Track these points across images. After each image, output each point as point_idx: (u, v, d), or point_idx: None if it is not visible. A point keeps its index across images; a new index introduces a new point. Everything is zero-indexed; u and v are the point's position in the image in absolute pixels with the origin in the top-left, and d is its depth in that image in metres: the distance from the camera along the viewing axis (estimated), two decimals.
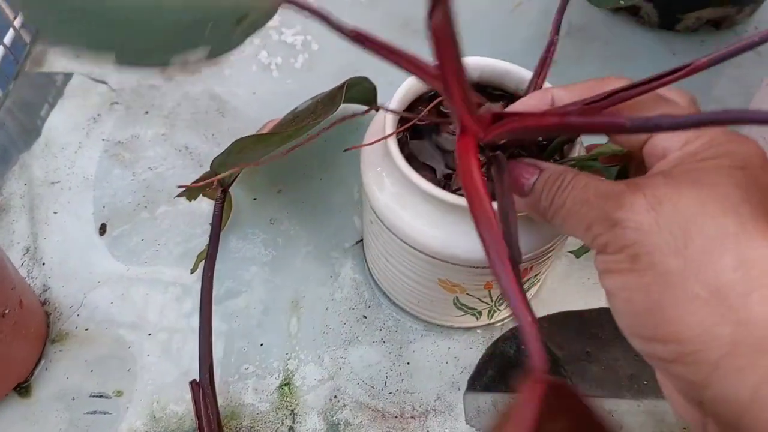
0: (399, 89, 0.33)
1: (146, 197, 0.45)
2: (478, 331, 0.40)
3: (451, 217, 0.30)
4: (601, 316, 0.40)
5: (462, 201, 0.29)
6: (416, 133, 0.34)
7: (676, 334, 0.19)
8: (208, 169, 0.41)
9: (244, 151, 0.34)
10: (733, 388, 0.18)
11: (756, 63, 0.53)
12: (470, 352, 0.39)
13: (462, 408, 0.37)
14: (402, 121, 0.33)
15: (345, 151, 0.35)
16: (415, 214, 0.31)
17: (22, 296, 0.35)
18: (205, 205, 0.44)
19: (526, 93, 0.31)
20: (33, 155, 0.48)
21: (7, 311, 0.33)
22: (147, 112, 0.50)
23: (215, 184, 0.37)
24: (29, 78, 0.53)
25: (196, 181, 0.38)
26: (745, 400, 0.18)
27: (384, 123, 0.32)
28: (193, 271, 0.42)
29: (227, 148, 0.34)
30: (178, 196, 0.39)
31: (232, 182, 0.38)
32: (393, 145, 0.31)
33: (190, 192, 0.39)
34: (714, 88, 0.51)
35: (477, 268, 0.31)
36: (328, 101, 0.39)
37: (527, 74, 0.33)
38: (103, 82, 0.52)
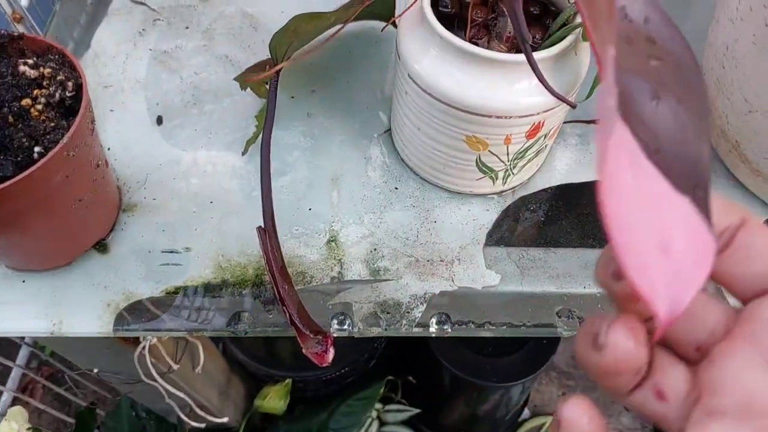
0: None
1: (195, 96, 0.51)
2: (494, 197, 0.47)
3: (482, 72, 0.37)
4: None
5: (490, 54, 0.36)
6: (444, 24, 0.41)
7: None
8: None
9: (298, 29, 0.40)
10: None
11: None
12: (487, 214, 0.46)
13: (482, 257, 0.44)
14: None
15: (382, 30, 0.41)
16: (450, 73, 0.38)
17: (106, 157, 0.41)
18: (246, 103, 0.50)
19: None
20: (85, 64, 0.53)
21: (99, 162, 0.39)
22: (187, 27, 0.55)
23: (269, 67, 0.43)
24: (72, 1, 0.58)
25: (253, 66, 0.44)
26: None
27: (420, 4, 0.39)
28: (244, 153, 0.48)
29: (284, 25, 0.40)
30: (237, 79, 0.45)
31: (285, 62, 0.44)
32: (428, 7, 0.37)
33: (250, 75, 0.44)
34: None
35: (501, 118, 0.38)
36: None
37: None
38: (143, 3, 0.57)
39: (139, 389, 0.66)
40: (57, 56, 0.38)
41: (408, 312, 0.42)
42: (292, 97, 0.51)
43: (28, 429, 0.63)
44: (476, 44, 0.39)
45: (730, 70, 0.41)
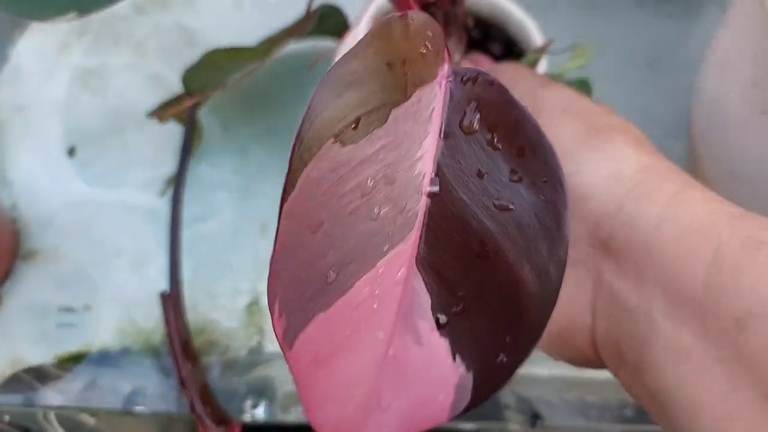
0: (370, 4, 0.34)
1: (115, 123, 0.45)
2: None
3: None
4: None
5: None
6: None
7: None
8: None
9: (215, 66, 0.34)
10: (638, 218, 0.19)
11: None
12: None
13: None
14: None
15: (309, 69, 0.35)
16: None
17: None
18: (174, 133, 0.44)
19: None
20: (2, 81, 0.47)
21: None
22: (116, 43, 0.49)
23: (186, 102, 0.37)
24: None
25: (169, 101, 0.38)
26: (649, 228, 0.19)
27: (355, 38, 0.33)
28: (162, 194, 0.42)
29: (198, 61, 0.34)
30: (149, 115, 0.39)
31: (204, 100, 0.38)
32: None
33: (161, 112, 0.39)
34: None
35: None
36: (297, 26, 0.39)
37: None
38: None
39: None
40: None
41: None
42: (225, 128, 0.45)
43: None
44: None
45: (717, 128, 0.35)
